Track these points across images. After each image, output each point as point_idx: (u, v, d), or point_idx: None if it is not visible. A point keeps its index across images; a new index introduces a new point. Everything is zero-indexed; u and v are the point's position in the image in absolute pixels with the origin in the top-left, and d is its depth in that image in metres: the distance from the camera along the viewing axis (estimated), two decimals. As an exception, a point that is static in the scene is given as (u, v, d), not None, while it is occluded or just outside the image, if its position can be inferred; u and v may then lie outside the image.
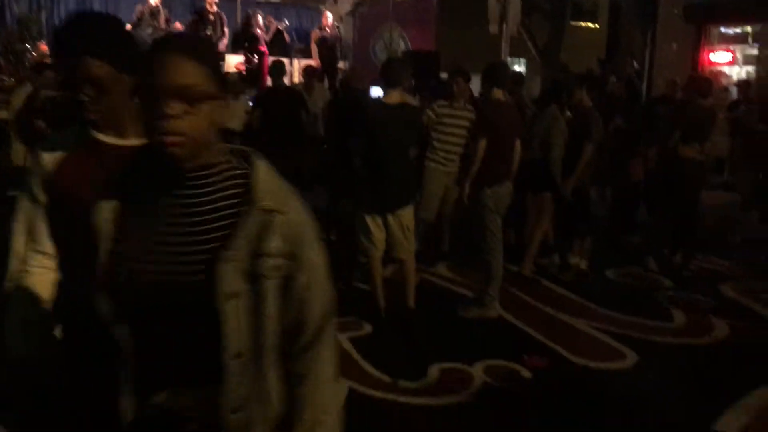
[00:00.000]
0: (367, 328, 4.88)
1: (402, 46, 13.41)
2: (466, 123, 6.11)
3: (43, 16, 12.04)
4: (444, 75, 9.47)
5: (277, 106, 7.29)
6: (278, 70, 7.68)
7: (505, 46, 11.44)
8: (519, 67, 17.46)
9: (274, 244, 1.34)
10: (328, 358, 1.47)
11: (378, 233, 4.87)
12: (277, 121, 7.17)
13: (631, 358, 4.57)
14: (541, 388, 4.07)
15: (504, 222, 6.06)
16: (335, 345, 1.50)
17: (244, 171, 1.38)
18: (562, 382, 4.21)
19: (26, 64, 10.35)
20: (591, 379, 4.28)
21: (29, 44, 10.50)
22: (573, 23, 22.39)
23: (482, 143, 5.09)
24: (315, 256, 1.42)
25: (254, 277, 1.33)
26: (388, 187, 4.79)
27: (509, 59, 16.16)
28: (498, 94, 5.21)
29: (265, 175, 1.39)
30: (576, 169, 5.89)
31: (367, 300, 5.11)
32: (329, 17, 13.95)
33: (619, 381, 4.30)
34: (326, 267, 1.45)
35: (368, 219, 4.85)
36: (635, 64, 14.98)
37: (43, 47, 11.29)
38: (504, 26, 11.29)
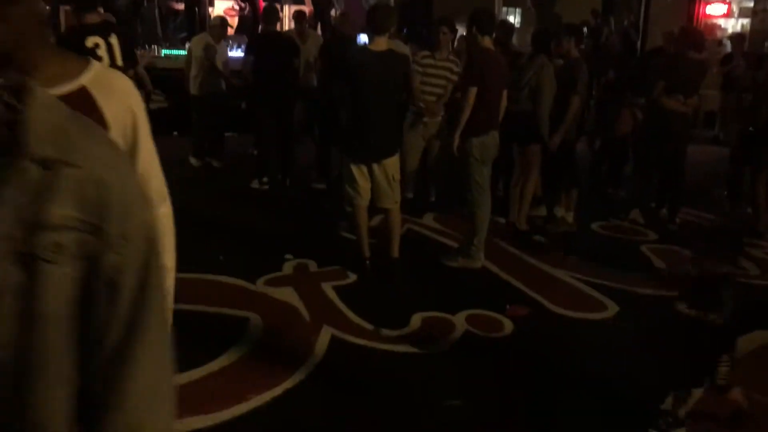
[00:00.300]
0: (352, 277, 4.91)
1: (392, -8, 13.13)
2: (447, 74, 6.04)
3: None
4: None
5: (269, 53, 7.16)
6: (270, 15, 7.53)
7: (499, -5, 11.24)
8: (514, 18, 17.21)
9: (60, 210, 0.88)
10: (149, 385, 0.98)
11: (363, 182, 4.85)
12: (269, 68, 7.07)
13: (611, 309, 4.62)
14: (521, 337, 4.12)
15: (492, 174, 6.07)
16: (167, 369, 1.05)
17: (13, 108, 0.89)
18: (543, 332, 4.26)
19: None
20: (571, 329, 4.34)
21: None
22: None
23: (472, 92, 5.04)
24: (137, 233, 0.93)
25: (27, 261, 0.87)
26: (372, 136, 4.74)
27: (504, 9, 15.95)
28: (486, 42, 5.14)
29: (45, 112, 0.91)
30: (563, 122, 5.86)
31: (352, 249, 5.13)
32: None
33: (599, 331, 4.35)
34: (158, 254, 0.98)
35: (353, 168, 4.83)
36: (631, 17, 14.79)
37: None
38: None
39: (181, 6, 12.16)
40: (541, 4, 19.84)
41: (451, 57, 6.20)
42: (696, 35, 6.56)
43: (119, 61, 4.90)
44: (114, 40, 4.85)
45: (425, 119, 6.08)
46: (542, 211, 6.53)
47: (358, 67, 4.73)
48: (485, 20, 5.18)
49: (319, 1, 13.03)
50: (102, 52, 4.81)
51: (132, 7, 11.23)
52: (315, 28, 10.75)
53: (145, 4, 11.60)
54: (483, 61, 5.13)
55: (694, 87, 6.42)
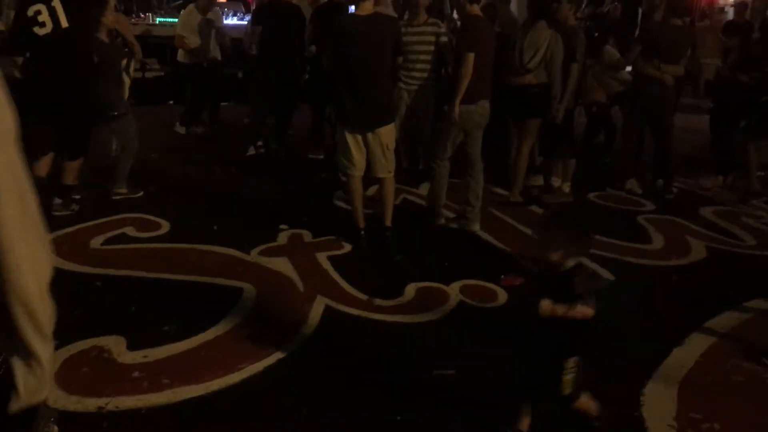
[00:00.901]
0: (347, 248, 4.89)
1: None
2: (432, 38, 5.79)
3: None
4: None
5: (277, 22, 7.06)
6: None
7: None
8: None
9: None
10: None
11: (357, 153, 4.81)
12: (276, 38, 6.98)
13: (607, 278, 4.61)
14: (515, 307, 4.12)
15: (492, 144, 6.03)
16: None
17: None
18: (537, 302, 4.24)
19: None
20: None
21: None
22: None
23: (470, 58, 4.95)
24: None
25: None
26: (366, 105, 4.69)
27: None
28: (474, 9, 5.05)
29: None
30: (566, 91, 5.80)
31: (348, 219, 5.11)
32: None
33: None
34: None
35: (348, 137, 4.78)
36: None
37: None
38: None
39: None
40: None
41: (432, 20, 5.93)
42: (678, 1, 6.45)
43: (64, 23, 4.82)
44: (56, 3, 4.76)
45: (405, 87, 5.87)
46: (539, 180, 6.50)
47: (345, 32, 4.65)
48: None
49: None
50: (44, 17, 4.74)
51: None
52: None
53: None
54: (474, 28, 5.05)
55: (677, 54, 6.36)
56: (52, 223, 4.85)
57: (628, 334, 3.82)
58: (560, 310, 2.56)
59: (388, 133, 4.84)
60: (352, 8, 7.02)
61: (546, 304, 2.57)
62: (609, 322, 3.71)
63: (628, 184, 6.65)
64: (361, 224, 4.99)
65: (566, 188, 6.35)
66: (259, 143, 7.42)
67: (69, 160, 5.29)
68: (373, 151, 4.82)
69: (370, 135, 4.77)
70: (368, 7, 4.66)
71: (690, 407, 3.13)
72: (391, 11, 6.36)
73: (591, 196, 6.51)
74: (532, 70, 5.69)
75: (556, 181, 6.41)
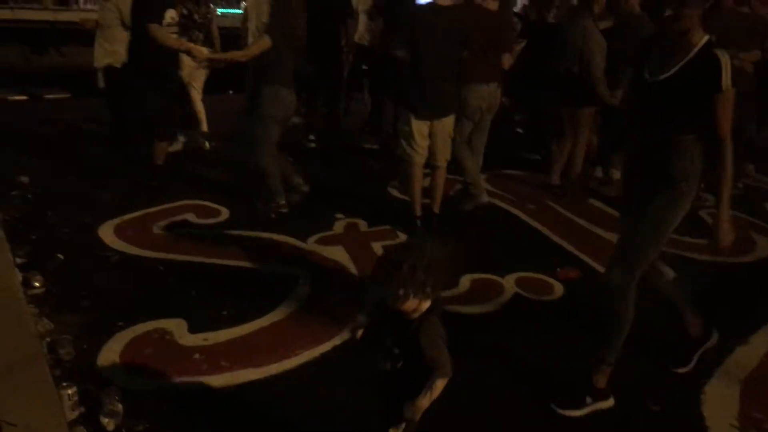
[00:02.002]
0: (402, 237, 4.91)
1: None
2: None
3: None
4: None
5: (322, 10, 7.09)
6: None
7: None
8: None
9: None
10: None
11: (421, 140, 4.84)
12: (321, 26, 7.01)
13: (666, 274, 4.49)
14: (572, 300, 4.07)
15: (544, 133, 5.97)
16: None
17: None
18: (594, 295, 4.18)
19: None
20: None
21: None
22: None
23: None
24: None
25: None
26: (435, 93, 4.73)
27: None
28: None
29: None
30: (624, 78, 5.67)
31: (402, 209, 5.12)
32: None
33: (652, 296, 4.25)
34: None
35: (414, 125, 4.80)
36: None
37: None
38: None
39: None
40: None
41: None
42: None
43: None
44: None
45: None
46: (597, 172, 6.39)
47: (424, 22, 4.67)
48: None
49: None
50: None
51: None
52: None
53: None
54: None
55: (752, 42, 6.11)
56: (119, 207, 5.04)
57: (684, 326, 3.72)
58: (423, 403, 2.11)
59: (451, 122, 4.91)
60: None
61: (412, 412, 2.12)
62: (670, 318, 3.65)
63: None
64: (418, 212, 5.01)
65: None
66: (311, 137, 7.47)
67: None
68: (437, 139, 4.88)
69: (436, 123, 4.80)
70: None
71: (753, 407, 3.05)
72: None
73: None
74: (571, 59, 5.62)
75: (615, 174, 6.28)
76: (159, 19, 5.26)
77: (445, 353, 2.13)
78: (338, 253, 4.55)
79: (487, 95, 5.30)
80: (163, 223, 4.90)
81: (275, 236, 4.78)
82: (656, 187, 2.94)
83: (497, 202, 5.79)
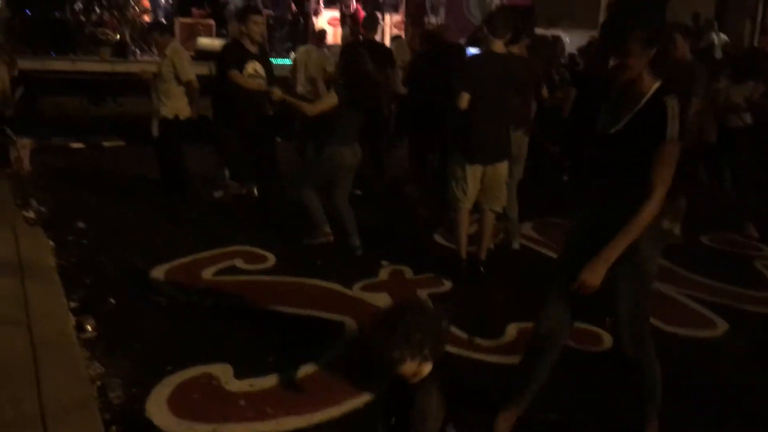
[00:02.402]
0: (447, 285, 4.89)
1: (497, 1, 13.05)
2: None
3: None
4: (539, 31, 9.22)
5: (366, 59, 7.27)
6: (371, 23, 7.67)
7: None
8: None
9: None
10: None
11: (473, 185, 4.86)
12: (359, 74, 7.18)
13: (721, 326, 4.38)
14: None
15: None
16: None
17: None
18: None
19: (128, 18, 10.73)
20: (678, 347, 4.13)
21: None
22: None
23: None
24: None
25: None
26: (490, 138, 4.77)
27: (609, 13, 15.49)
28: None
29: None
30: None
31: (448, 257, 5.11)
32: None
33: (708, 350, 4.13)
34: None
35: (468, 170, 4.82)
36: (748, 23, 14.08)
37: (144, 2, 11.66)
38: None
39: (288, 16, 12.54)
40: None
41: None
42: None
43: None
44: None
45: None
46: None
47: (481, 69, 4.73)
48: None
49: (413, 11, 13.14)
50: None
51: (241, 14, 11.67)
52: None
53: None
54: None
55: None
56: (170, 252, 5.14)
57: (745, 386, 3.60)
58: None
59: (505, 168, 4.96)
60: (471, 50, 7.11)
61: None
62: (724, 373, 3.54)
63: (744, 228, 6.32)
64: (464, 256, 5.01)
65: (677, 230, 6.10)
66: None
67: None
68: (490, 185, 4.91)
69: (489, 168, 4.84)
70: (500, 47, 4.78)
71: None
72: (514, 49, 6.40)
73: (704, 239, 6.22)
74: None
75: (665, 223, 6.16)
76: (239, 68, 5.85)
77: (427, 427, 2.04)
78: (383, 301, 4.55)
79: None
80: (211, 268, 4.98)
81: (321, 283, 4.81)
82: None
83: (543, 250, 5.73)
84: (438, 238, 5.91)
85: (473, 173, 4.83)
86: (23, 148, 7.30)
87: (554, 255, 5.49)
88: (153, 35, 7.28)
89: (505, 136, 4.94)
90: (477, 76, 4.72)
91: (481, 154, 4.81)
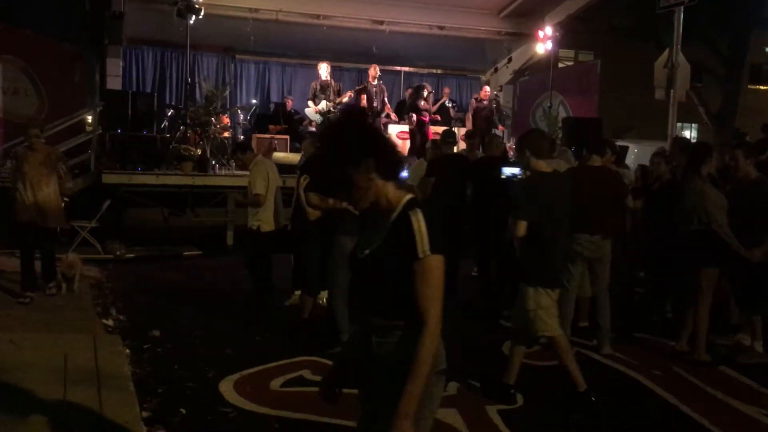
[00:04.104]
0: (519, 401, 4.74)
1: (563, 113, 13.27)
2: None
3: (227, 91, 13.24)
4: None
5: (447, 173, 7.50)
6: (449, 138, 7.94)
7: (672, 112, 10.98)
8: (690, 133, 16.63)
9: None
10: None
11: (554, 308, 4.68)
12: (447, 187, 7.38)
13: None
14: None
15: (667, 295, 5.78)
16: None
17: None
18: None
19: (210, 135, 11.37)
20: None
21: (213, 117, 11.57)
22: (751, 87, 21.12)
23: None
24: None
25: None
26: (558, 258, 4.73)
27: (678, 125, 15.54)
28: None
29: None
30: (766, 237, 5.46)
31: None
32: (487, 90, 14.19)
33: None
34: None
35: (552, 296, 4.64)
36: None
37: (225, 119, 12.38)
38: (671, 92, 10.87)
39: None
40: (720, 118, 19.07)
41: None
42: None
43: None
44: None
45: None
46: (731, 339, 6.00)
47: (542, 189, 4.61)
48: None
49: (480, 124, 13.49)
50: None
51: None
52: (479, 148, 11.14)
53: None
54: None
55: None
56: (240, 362, 5.20)
57: None
58: None
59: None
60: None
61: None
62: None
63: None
64: (582, 387, 4.62)
65: (758, 347, 5.80)
66: None
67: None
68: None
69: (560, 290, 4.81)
70: (547, 165, 4.78)
71: None
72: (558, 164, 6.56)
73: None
74: (690, 220, 5.52)
75: (745, 339, 5.90)
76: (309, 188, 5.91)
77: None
78: (451, 417, 4.43)
79: (588, 245, 5.48)
80: (279, 379, 5.00)
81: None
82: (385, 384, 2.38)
83: (619, 366, 5.52)
84: (506, 352, 5.77)
85: (550, 297, 4.65)
86: (70, 267, 7.09)
87: (631, 372, 5.30)
88: (236, 155, 7.68)
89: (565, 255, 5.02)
90: (540, 198, 4.57)
91: (558, 276, 4.79)
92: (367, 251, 2.38)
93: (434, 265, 2.27)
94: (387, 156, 2.38)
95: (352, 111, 3.50)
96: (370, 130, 2.49)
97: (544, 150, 4.74)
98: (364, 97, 12.72)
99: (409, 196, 2.37)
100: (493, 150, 7.79)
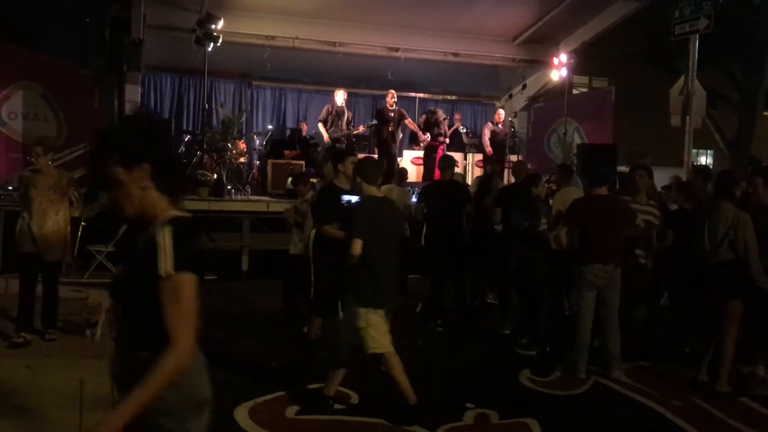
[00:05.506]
0: (536, 430, 4.68)
1: (577, 139, 13.25)
2: (651, 219, 6.17)
3: (244, 117, 13.35)
4: (622, 168, 9.28)
5: (439, 199, 7.49)
6: (446, 163, 7.92)
7: (688, 139, 10.94)
8: (706, 160, 16.55)
9: None
10: None
11: (384, 327, 4.85)
12: (438, 213, 7.40)
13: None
14: None
15: (688, 325, 5.73)
16: None
17: None
18: None
19: (226, 160, 11.45)
20: None
21: (230, 143, 11.65)
22: (766, 113, 21.03)
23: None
24: None
25: None
26: (385, 280, 4.82)
27: (694, 151, 15.50)
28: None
29: None
30: None
31: (536, 399, 4.92)
32: (501, 114, 14.21)
33: None
34: None
35: (377, 314, 4.76)
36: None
37: (241, 145, 12.46)
38: (687, 118, 10.84)
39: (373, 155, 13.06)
40: (735, 145, 18.97)
41: (652, 202, 6.37)
42: None
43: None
44: None
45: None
46: (756, 371, 5.90)
47: (374, 213, 4.84)
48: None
49: (495, 150, 13.50)
50: None
51: (329, 157, 12.25)
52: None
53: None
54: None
55: None
56: (256, 389, 5.17)
57: None
58: None
59: None
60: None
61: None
62: None
63: None
64: (413, 400, 4.76)
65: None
66: (438, 321, 7.51)
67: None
68: None
69: None
70: (377, 191, 5.06)
71: None
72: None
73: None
74: (717, 250, 5.45)
75: (760, 370, 5.80)
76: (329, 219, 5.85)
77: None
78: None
79: (602, 274, 5.72)
80: (295, 407, 4.96)
81: (404, 426, 4.69)
82: None
83: (638, 397, 5.44)
84: (524, 381, 5.72)
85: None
86: (94, 312, 6.40)
87: (651, 403, 5.22)
88: (297, 187, 7.51)
89: None
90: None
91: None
92: (119, 268, 2.23)
93: (181, 284, 2.12)
94: (169, 168, 2.21)
95: (144, 110, 3.32)
96: (157, 135, 2.27)
97: (372, 176, 4.94)
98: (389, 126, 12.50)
99: (174, 213, 2.17)
100: (521, 176, 7.76)
